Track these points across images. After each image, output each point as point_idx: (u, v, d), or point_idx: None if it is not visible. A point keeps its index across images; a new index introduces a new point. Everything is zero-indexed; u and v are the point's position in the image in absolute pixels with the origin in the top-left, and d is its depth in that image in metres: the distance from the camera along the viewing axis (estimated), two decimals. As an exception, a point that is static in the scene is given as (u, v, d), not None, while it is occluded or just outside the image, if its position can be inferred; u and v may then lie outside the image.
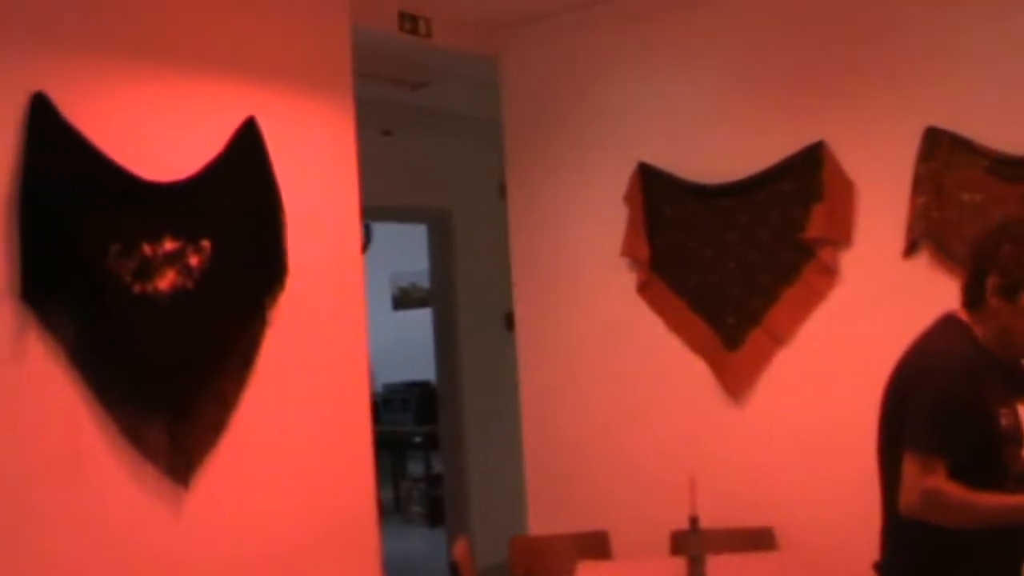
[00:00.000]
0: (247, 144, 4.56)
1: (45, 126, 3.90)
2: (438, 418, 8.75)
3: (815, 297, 5.10)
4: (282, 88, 4.79)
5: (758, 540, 5.05)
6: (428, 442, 10.27)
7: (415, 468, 10.91)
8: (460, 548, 4.89)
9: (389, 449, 10.12)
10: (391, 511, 10.36)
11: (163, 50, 4.37)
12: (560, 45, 5.99)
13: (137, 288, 4.10)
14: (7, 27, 3.89)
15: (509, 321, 6.45)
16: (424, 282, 9.96)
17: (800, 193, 5.09)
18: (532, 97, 6.14)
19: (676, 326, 5.52)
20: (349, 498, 4.96)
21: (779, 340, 5.19)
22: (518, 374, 6.13)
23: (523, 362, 6.12)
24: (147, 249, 4.14)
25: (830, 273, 5.02)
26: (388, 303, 11.28)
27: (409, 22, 5.68)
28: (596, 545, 5.27)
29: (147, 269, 4.14)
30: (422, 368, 9.88)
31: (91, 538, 3.99)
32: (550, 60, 6.04)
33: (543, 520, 5.98)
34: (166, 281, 4.19)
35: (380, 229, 8.77)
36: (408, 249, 9.77)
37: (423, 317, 9.56)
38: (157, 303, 4.16)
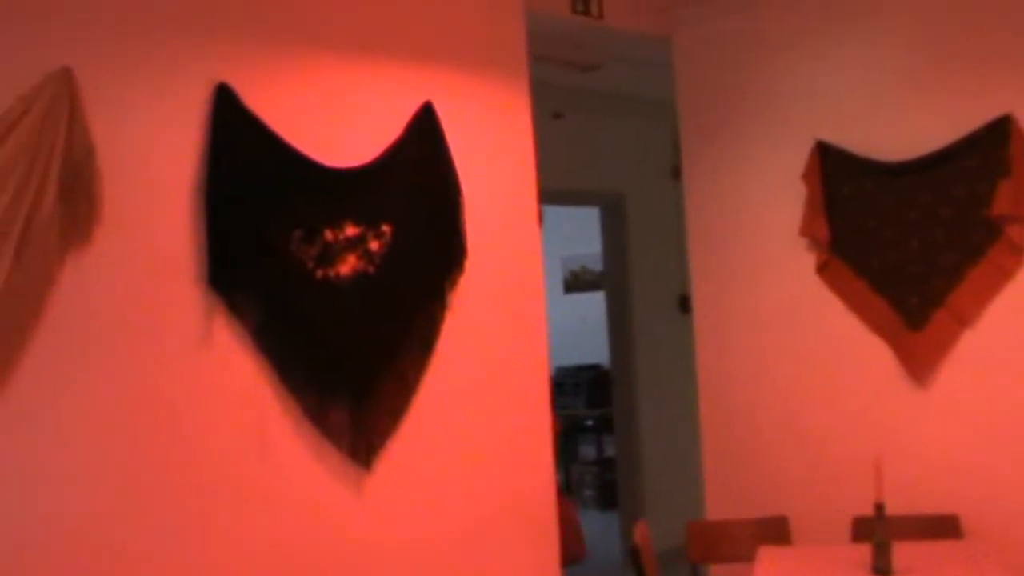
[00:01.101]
0: (425, 128, 4.57)
1: (229, 116, 3.98)
2: (611, 401, 8.72)
3: (1001, 277, 4.92)
4: (458, 72, 4.79)
5: (942, 527, 4.91)
6: (600, 425, 10.25)
7: (587, 451, 10.88)
8: (640, 532, 4.85)
9: (561, 432, 10.03)
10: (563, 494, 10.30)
11: (341, 37, 4.41)
12: (734, 23, 5.88)
13: (319, 273, 4.16)
14: (191, 20, 3.97)
15: (683, 303, 6.40)
16: (595, 265, 9.93)
17: (985, 169, 4.92)
18: (706, 76, 6.05)
19: (857, 307, 5.39)
20: (528, 481, 4.95)
21: (963, 321, 5.02)
22: (692, 356, 6.07)
23: (700, 344, 6.05)
24: (329, 235, 4.19)
25: (1018, 252, 4.84)
26: (559, 287, 11.27)
27: (581, 3, 5.65)
28: (776, 530, 5.19)
29: (329, 254, 4.19)
30: (593, 351, 9.87)
31: (278, 518, 4.07)
32: (724, 38, 5.94)
33: (720, 504, 5.91)
34: (347, 266, 4.24)
35: (550, 212, 8.75)
36: (579, 232, 9.75)
37: (594, 300, 9.55)
38: (339, 288, 4.21)
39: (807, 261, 5.53)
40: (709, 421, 6.01)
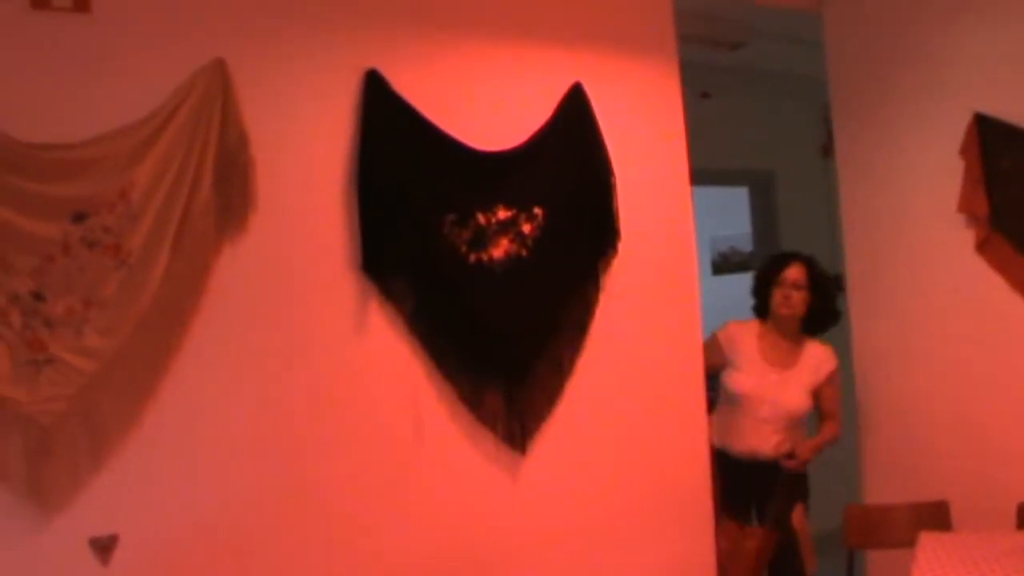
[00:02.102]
0: (575, 109, 4.48)
1: (379, 101, 3.96)
2: (762, 383, 8.57)
3: None
4: (607, 52, 4.68)
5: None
6: (751, 408, 10.10)
7: (737, 435, 10.72)
8: (798, 515, 4.76)
9: (709, 414, 9.89)
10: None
11: (489, 20, 4.36)
12: (887, -6, 5.73)
13: (472, 257, 4.12)
14: (340, 7, 3.96)
15: (836, 283, 6.22)
16: (744, 246, 9.76)
17: None
18: (859, 51, 5.85)
19: (1019, 285, 5.19)
20: (683, 466, 4.84)
21: None
22: (846, 337, 5.92)
23: (856, 324, 5.88)
24: (481, 218, 4.15)
25: None
26: (708, 268, 11.10)
27: (730, -20, 5.55)
28: (936, 516, 5.01)
29: (482, 238, 4.14)
30: (743, 334, 9.71)
31: (433, 503, 4.05)
32: (877, 10, 5.73)
33: (877, 488, 5.73)
34: (500, 249, 4.19)
35: (698, 193, 8.64)
36: (727, 213, 9.58)
37: (743, 282, 9.38)
38: (492, 271, 4.17)
39: (967, 238, 5.31)
40: (865, 403, 5.83)
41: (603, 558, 4.51)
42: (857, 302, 5.87)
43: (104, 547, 3.42)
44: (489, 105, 4.31)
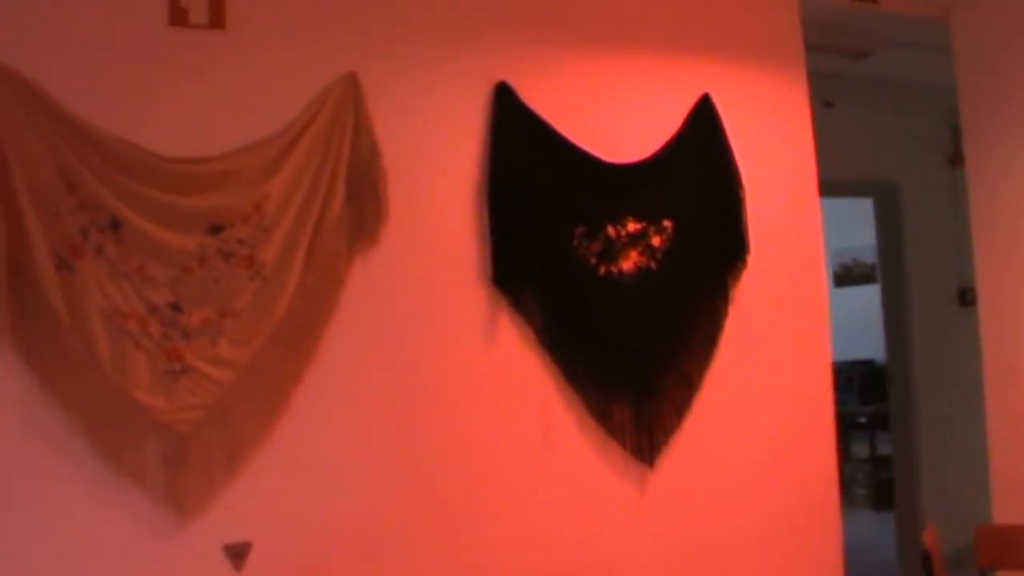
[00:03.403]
0: (703, 121, 4.41)
1: (509, 114, 3.93)
2: (885, 397, 8.37)
3: None
4: (734, 63, 4.60)
5: None
6: (873, 422, 9.87)
7: (859, 449, 10.51)
8: (930, 536, 4.62)
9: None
10: (835, 494, 10.00)
11: (617, 31, 4.30)
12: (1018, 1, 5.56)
13: (602, 270, 4.07)
14: (469, 21, 3.95)
15: (963, 296, 6.08)
16: (866, 257, 9.60)
17: None
18: (990, 58, 5.66)
19: None
20: (811, 481, 4.70)
21: None
22: (973, 350, 5.73)
23: (987, 339, 5.69)
24: (611, 231, 4.09)
25: None
26: (830, 280, 10.94)
27: (857, -11, 5.43)
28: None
29: (611, 250, 4.09)
30: (866, 346, 9.50)
31: (561, 515, 4.00)
32: (1008, 14, 5.59)
33: (1008, 506, 5.56)
34: (630, 262, 4.13)
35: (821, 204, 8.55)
36: (849, 224, 9.41)
37: (866, 294, 9.21)
38: (622, 284, 4.11)
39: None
40: (996, 419, 5.64)
41: (730, 570, 4.41)
42: (988, 316, 5.70)
43: (238, 554, 3.44)
44: (618, 117, 4.25)
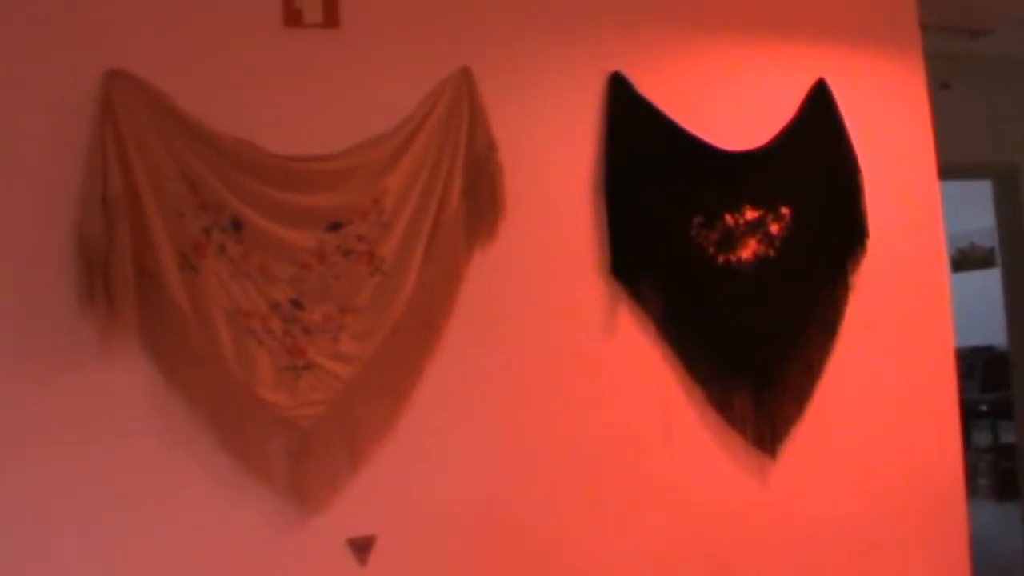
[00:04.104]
0: (819, 106, 4.30)
1: (624, 104, 3.89)
2: (1008, 384, 8.18)
3: None
4: (848, 47, 4.46)
5: None
6: (995, 411, 9.64)
7: (981, 438, 10.27)
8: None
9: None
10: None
11: (729, 18, 4.23)
12: None
13: (720, 259, 4.00)
14: (581, 13, 3.91)
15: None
16: (984, 241, 9.38)
17: None
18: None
19: None
20: (935, 471, 4.55)
21: None
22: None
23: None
24: (729, 219, 4.02)
25: None
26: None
27: (976, -35, 5.29)
28: None
29: (729, 239, 4.02)
30: (986, 332, 9.29)
31: (682, 506, 3.94)
32: None
33: None
34: (748, 250, 4.06)
35: (934, 188, 8.37)
36: (964, 208, 9.19)
37: (984, 279, 9.00)
38: (740, 273, 4.04)
39: None
40: None
41: (853, 562, 4.30)
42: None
43: (362, 547, 3.44)
44: (732, 104, 4.16)
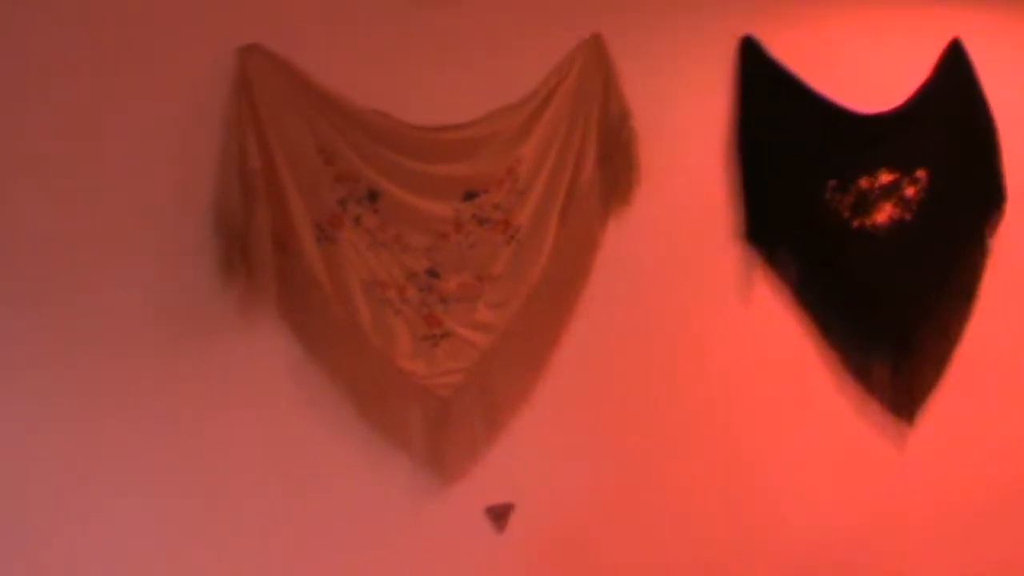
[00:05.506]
0: (954, 67, 4.08)
1: (756, 68, 3.74)
2: None
3: None
4: (983, 5, 4.20)
5: None
6: None
7: None
8: None
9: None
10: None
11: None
12: None
13: (855, 223, 3.84)
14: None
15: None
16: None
17: None
18: None
19: None
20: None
21: None
22: None
23: None
24: (864, 183, 3.84)
25: None
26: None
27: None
28: None
29: (864, 203, 3.85)
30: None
31: (820, 474, 3.85)
32: None
33: None
34: (883, 214, 3.88)
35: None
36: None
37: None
38: (875, 237, 3.86)
39: None
40: None
41: (991, 525, 4.16)
42: None
43: (500, 515, 3.38)
44: (865, 66, 3.94)
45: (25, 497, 2.89)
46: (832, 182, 3.81)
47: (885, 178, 3.89)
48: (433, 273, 3.25)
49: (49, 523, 2.92)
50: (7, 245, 2.88)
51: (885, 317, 3.92)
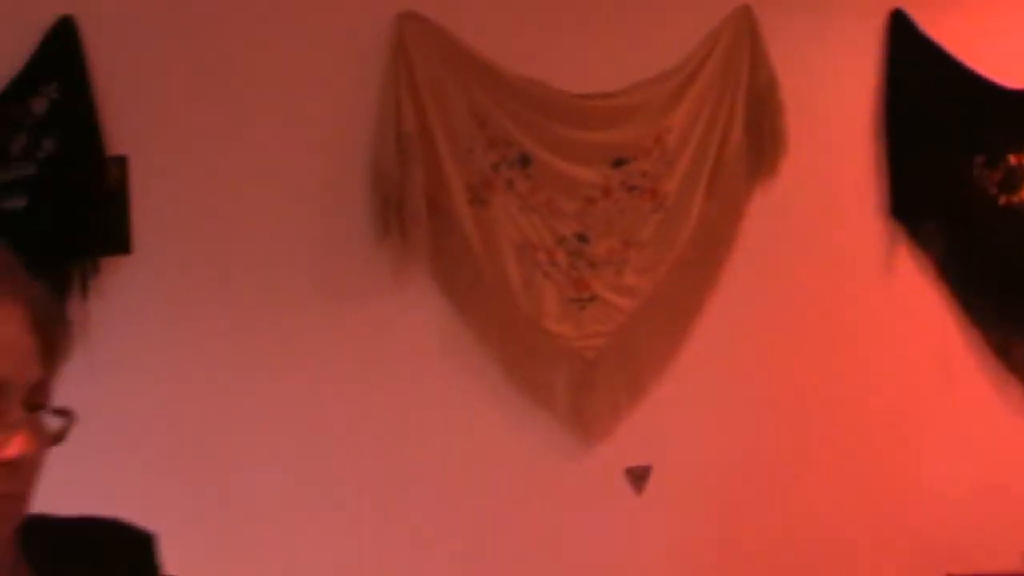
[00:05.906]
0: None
1: (905, 42, 3.70)
2: None
3: None
4: None
5: None
6: None
7: None
8: None
9: None
10: None
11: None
12: None
13: (1002, 200, 3.77)
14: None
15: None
16: None
17: None
18: None
19: None
20: None
21: None
22: None
23: None
24: (1012, 159, 3.77)
25: None
26: None
27: None
28: None
29: (1012, 180, 3.77)
30: None
31: (957, 449, 3.76)
32: None
33: None
34: (1034, 191, 3.82)
35: None
36: None
37: None
38: (1022, 215, 3.82)
39: None
40: None
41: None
42: None
43: (639, 476, 3.41)
44: (1016, 40, 3.88)
45: (222, 445, 3.02)
46: (980, 158, 3.74)
47: (1035, 155, 3.81)
48: (582, 238, 3.28)
49: (238, 462, 3.04)
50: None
51: (1030, 296, 3.81)
